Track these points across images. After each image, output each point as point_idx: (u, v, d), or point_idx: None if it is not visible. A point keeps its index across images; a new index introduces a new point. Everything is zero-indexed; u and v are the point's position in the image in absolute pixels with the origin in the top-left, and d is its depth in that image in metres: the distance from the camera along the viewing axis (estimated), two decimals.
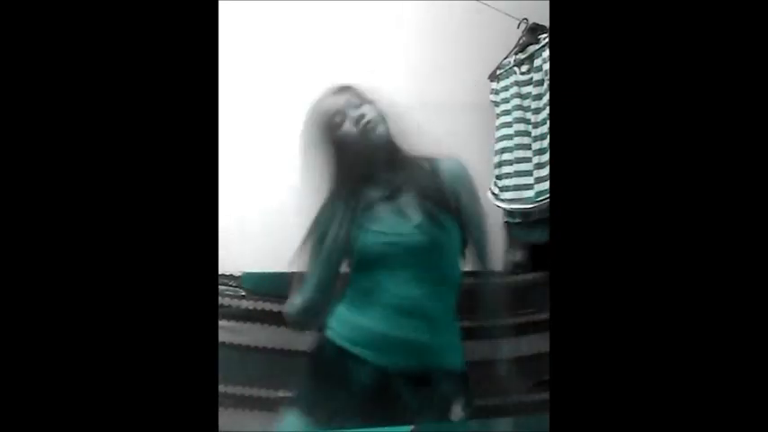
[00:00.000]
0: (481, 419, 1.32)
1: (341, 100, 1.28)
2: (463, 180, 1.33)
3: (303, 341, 1.58)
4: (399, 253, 1.22)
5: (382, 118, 1.28)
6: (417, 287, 1.22)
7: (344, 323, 1.24)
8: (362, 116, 1.25)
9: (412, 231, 1.22)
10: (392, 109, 1.31)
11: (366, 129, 1.25)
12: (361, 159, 1.26)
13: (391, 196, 1.26)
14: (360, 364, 1.20)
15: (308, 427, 1.21)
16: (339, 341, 1.23)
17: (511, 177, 1.83)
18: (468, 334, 1.44)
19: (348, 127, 1.26)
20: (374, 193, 1.27)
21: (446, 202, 1.26)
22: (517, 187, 1.81)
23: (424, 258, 1.23)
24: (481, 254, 1.35)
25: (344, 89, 1.30)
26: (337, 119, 1.27)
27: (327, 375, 1.24)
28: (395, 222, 1.23)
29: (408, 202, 1.25)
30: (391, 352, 1.20)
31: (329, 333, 1.25)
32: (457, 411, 1.22)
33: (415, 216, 1.23)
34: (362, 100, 1.29)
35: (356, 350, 1.21)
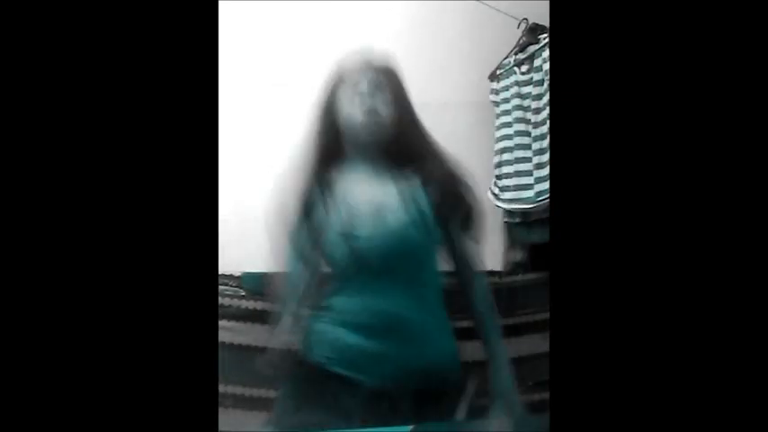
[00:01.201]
0: (481, 419, 1.32)
1: (364, 83, 1.18)
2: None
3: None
4: (378, 260, 1.14)
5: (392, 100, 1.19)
6: (400, 296, 1.14)
7: (328, 344, 1.16)
8: (375, 111, 1.16)
9: (391, 235, 1.14)
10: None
11: (369, 126, 1.17)
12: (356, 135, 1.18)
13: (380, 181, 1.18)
14: (354, 386, 1.12)
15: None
16: (328, 365, 1.15)
17: (511, 177, 1.83)
18: (469, 334, 1.44)
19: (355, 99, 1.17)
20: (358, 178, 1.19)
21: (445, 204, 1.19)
22: (517, 187, 1.81)
23: (404, 264, 1.16)
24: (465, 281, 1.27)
25: (380, 72, 1.20)
26: (347, 84, 1.18)
27: (317, 400, 1.15)
28: (373, 224, 1.15)
29: (397, 194, 1.17)
30: (384, 370, 1.12)
31: (315, 356, 1.17)
32: (462, 410, 1.19)
33: (396, 217, 1.15)
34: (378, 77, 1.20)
35: (348, 373, 1.13)
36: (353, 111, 1.17)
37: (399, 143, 1.20)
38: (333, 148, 1.21)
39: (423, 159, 1.21)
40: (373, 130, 1.17)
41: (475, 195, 1.26)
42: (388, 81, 1.20)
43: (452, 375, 1.23)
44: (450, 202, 1.20)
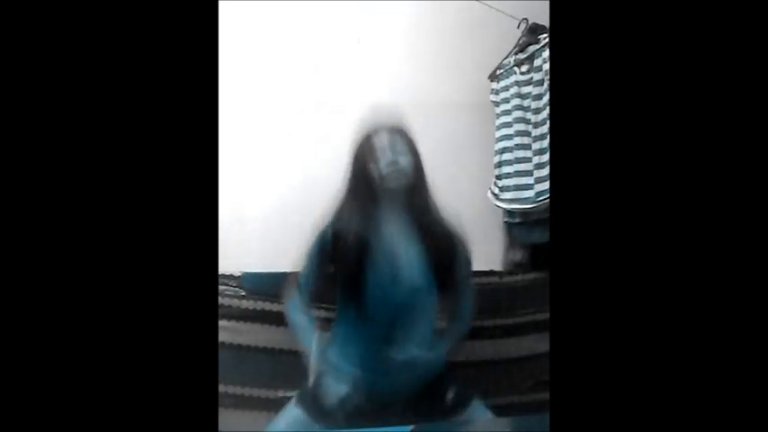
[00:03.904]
0: (481, 419, 1.32)
1: (384, 140, 1.34)
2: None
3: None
4: (390, 309, 1.30)
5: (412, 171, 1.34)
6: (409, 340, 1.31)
7: (338, 370, 1.33)
8: (396, 162, 1.31)
9: (406, 293, 1.30)
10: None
11: (393, 174, 1.31)
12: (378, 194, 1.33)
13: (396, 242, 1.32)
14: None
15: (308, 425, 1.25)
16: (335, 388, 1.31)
17: (511, 177, 1.83)
18: (468, 334, 1.44)
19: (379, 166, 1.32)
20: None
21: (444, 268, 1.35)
22: (517, 187, 1.81)
23: (413, 317, 1.32)
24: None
25: (395, 131, 1.36)
26: (375, 156, 1.33)
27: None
28: (390, 278, 1.29)
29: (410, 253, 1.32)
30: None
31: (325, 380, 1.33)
32: (450, 397, 1.33)
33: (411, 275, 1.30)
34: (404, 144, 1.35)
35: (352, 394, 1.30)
36: (378, 164, 1.32)
37: (415, 190, 1.36)
38: (365, 194, 1.35)
39: (427, 215, 1.37)
40: (395, 178, 1.32)
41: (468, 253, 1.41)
42: (402, 137, 1.36)
43: (440, 368, 1.37)
44: (446, 261, 1.36)
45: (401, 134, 1.37)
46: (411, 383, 1.31)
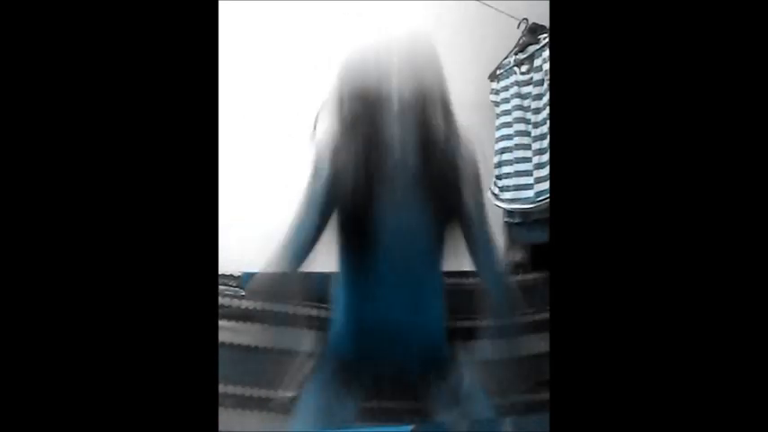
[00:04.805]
0: (481, 419, 1.32)
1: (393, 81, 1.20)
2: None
3: (303, 341, 1.58)
4: (394, 250, 1.22)
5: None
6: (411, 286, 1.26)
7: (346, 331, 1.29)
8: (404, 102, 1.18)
9: (411, 233, 1.22)
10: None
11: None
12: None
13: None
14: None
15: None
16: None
17: (511, 177, 1.83)
18: (468, 334, 1.44)
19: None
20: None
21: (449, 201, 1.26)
22: (517, 187, 1.80)
23: (416, 260, 1.25)
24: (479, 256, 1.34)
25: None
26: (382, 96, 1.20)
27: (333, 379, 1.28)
28: (396, 222, 1.21)
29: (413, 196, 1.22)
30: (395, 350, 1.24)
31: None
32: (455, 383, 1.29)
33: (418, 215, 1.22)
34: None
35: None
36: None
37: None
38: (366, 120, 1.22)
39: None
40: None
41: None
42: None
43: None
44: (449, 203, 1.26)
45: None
46: (412, 352, 1.26)
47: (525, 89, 1.80)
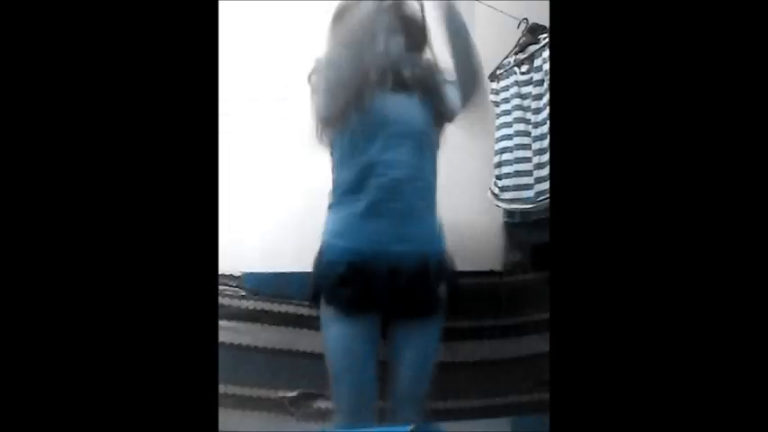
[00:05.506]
0: (481, 419, 1.32)
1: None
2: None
3: (303, 341, 1.58)
4: (392, 137, 1.31)
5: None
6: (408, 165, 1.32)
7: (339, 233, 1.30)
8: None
9: (411, 116, 1.36)
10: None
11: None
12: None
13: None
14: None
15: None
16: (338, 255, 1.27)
17: (511, 177, 1.83)
18: (468, 334, 1.44)
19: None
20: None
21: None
22: (517, 187, 1.80)
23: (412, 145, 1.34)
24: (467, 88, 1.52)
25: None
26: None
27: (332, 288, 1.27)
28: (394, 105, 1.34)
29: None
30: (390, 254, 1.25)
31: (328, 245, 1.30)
32: (442, 290, 1.30)
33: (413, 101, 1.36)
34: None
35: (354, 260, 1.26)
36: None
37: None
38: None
39: None
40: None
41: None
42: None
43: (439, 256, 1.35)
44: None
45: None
46: (402, 273, 1.25)
47: (525, 89, 1.80)
